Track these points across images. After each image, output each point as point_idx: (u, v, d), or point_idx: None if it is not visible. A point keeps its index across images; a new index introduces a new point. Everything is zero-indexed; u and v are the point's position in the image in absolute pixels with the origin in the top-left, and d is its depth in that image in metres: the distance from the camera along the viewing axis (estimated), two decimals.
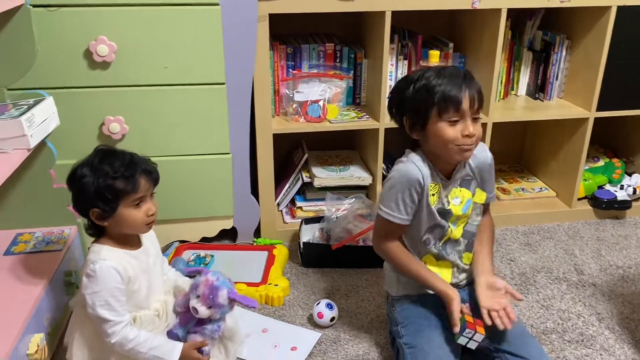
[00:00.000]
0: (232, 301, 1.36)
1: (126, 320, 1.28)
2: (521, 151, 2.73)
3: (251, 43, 1.85)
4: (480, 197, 1.50)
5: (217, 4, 1.77)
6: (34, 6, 1.60)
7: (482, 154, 1.48)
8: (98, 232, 1.33)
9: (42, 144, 1.64)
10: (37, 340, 1.35)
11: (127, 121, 1.82)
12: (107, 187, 1.24)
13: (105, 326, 1.25)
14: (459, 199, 1.46)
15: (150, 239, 1.41)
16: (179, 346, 1.32)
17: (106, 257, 1.27)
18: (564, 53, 2.30)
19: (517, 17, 2.35)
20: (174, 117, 1.87)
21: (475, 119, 1.36)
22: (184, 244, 2.10)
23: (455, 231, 1.48)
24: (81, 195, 1.26)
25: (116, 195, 1.25)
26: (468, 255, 1.54)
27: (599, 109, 2.22)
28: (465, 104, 1.33)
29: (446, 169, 1.46)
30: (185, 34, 1.78)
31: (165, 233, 2.01)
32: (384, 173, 2.22)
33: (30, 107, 1.50)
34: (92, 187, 1.23)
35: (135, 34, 1.73)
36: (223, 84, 1.87)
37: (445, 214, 1.46)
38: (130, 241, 1.35)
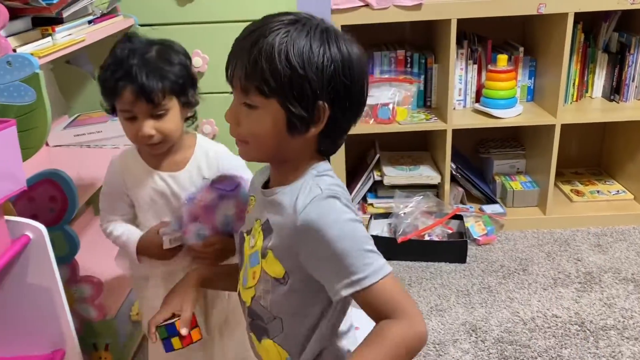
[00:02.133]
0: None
1: (115, 220, 1.25)
2: (600, 154, 2.70)
3: None
4: (274, 268, 0.85)
5: None
6: (141, 25, 1.89)
7: (291, 207, 0.82)
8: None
9: None
10: (137, 305, 1.61)
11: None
12: (99, 78, 1.13)
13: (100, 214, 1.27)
14: (254, 240, 0.89)
15: (203, 169, 1.21)
16: (136, 234, 1.22)
17: (122, 155, 1.24)
18: None
19: (592, 19, 2.36)
20: None
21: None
22: None
23: (245, 292, 0.93)
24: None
25: (103, 94, 1.14)
26: (258, 345, 0.94)
27: None
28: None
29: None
30: None
31: None
32: (453, 172, 2.32)
33: None
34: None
35: (223, 47, 1.97)
36: None
37: (241, 245, 0.95)
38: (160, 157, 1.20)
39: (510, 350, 1.67)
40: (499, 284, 1.99)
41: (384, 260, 0.79)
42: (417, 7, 2.03)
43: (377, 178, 2.40)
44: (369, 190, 2.46)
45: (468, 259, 2.13)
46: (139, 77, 1.08)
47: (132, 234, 1.23)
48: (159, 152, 1.19)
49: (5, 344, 1.20)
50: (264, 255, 0.87)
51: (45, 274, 1.22)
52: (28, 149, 1.23)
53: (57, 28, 1.39)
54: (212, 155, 1.24)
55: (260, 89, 0.78)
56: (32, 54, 1.24)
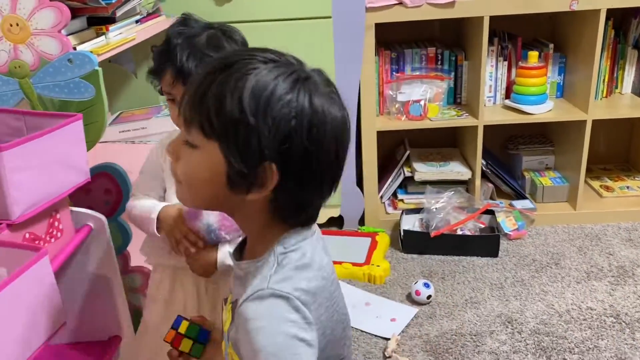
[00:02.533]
0: None
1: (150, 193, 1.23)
2: (628, 150, 2.70)
3: (358, 50, 2.09)
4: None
5: (329, 17, 2.02)
6: None
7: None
8: None
9: None
10: None
11: None
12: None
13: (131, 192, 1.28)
14: (225, 317, 0.82)
15: None
16: (159, 205, 1.18)
17: (165, 138, 1.25)
18: None
19: (622, 16, 2.37)
20: None
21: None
22: None
23: None
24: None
25: (151, 74, 1.13)
26: None
27: None
28: None
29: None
30: (300, 43, 2.04)
31: None
32: (483, 168, 2.35)
33: None
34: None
35: (259, 45, 2.02)
36: None
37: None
38: None
39: (547, 341, 1.70)
40: (532, 278, 2.02)
41: None
42: (451, 4, 2.06)
43: (408, 174, 2.43)
44: (399, 187, 2.50)
45: (500, 253, 2.15)
46: (179, 59, 1.05)
47: (158, 203, 1.21)
48: None
49: (65, 331, 1.25)
50: (228, 342, 0.75)
51: (105, 263, 1.27)
52: (87, 143, 1.28)
53: (111, 27, 1.45)
54: None
55: (203, 126, 0.66)
56: (91, 52, 1.30)
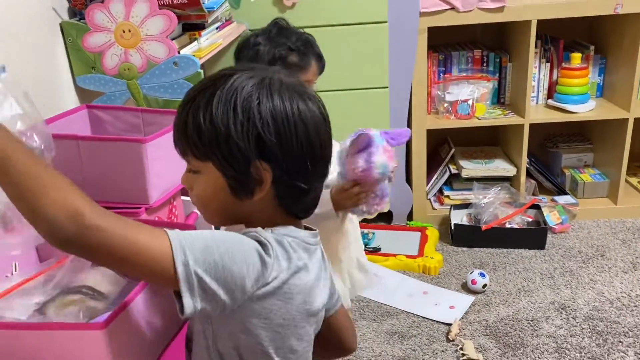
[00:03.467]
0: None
1: None
2: None
3: (412, 52, 2.20)
4: None
5: (385, 22, 2.14)
6: (251, 30, 2.06)
7: None
8: None
9: None
10: None
11: None
12: (281, 57, 1.21)
13: None
14: None
15: None
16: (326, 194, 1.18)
17: None
18: None
19: None
20: (341, 115, 2.25)
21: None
22: None
23: None
24: (252, 62, 1.20)
25: (286, 68, 1.19)
26: None
27: None
28: None
29: None
30: (357, 47, 2.16)
31: None
32: (527, 166, 2.45)
33: None
34: (266, 56, 1.20)
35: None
36: (387, 87, 2.23)
37: None
38: None
39: (602, 326, 1.80)
40: (579, 268, 2.12)
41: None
42: (500, 9, 2.17)
43: (454, 171, 2.54)
44: (444, 183, 2.60)
45: (546, 245, 2.26)
46: (316, 47, 1.27)
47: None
48: None
49: None
50: None
51: None
52: None
53: (202, 33, 1.58)
54: None
55: (193, 152, 0.73)
56: (193, 55, 1.43)
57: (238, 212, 0.75)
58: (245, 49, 1.25)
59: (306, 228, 0.80)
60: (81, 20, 1.44)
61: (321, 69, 1.29)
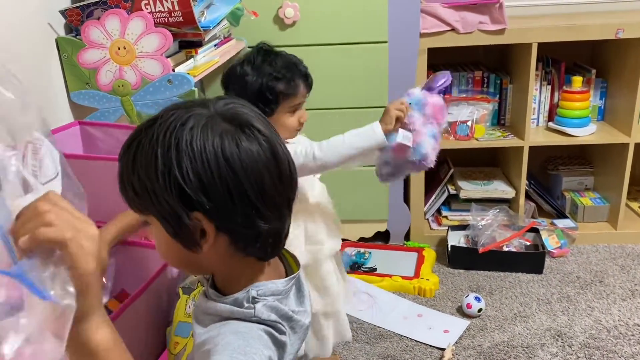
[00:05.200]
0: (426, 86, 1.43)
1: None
2: None
3: (412, 72, 2.20)
4: None
5: (385, 42, 2.13)
6: (249, 47, 2.06)
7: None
8: None
9: None
10: None
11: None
12: (268, 87, 1.24)
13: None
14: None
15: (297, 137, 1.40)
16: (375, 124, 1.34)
17: None
18: None
19: None
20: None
21: None
22: (345, 241, 2.46)
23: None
24: (241, 95, 1.21)
25: (277, 97, 1.25)
26: None
27: None
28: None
29: None
30: (357, 66, 2.15)
31: None
32: (527, 188, 2.43)
33: None
34: (253, 87, 1.23)
35: (320, 68, 2.14)
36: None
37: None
38: None
39: (598, 355, 1.77)
40: (577, 294, 2.09)
41: None
42: (501, 31, 2.17)
43: (452, 192, 2.52)
44: (442, 204, 2.59)
45: (544, 270, 2.23)
46: (306, 72, 1.34)
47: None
48: None
49: None
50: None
51: None
52: None
53: (199, 50, 1.58)
54: None
55: (131, 206, 0.70)
56: (188, 73, 1.42)
57: (197, 262, 0.72)
58: (233, 79, 1.28)
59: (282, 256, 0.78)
60: (77, 37, 1.44)
61: (309, 87, 1.32)
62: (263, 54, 1.30)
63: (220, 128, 0.66)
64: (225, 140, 0.65)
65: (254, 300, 0.69)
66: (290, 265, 0.81)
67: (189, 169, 0.63)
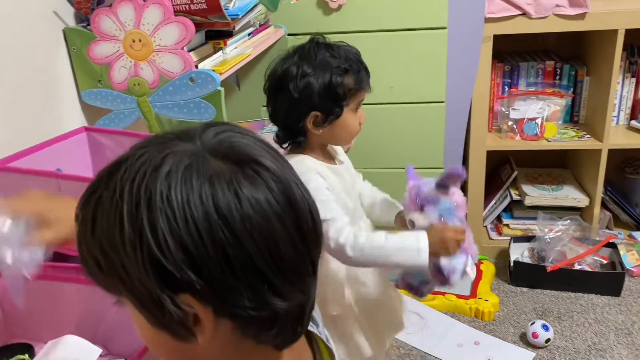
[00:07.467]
0: (442, 185, 1.09)
1: (347, 220, 1.07)
2: None
3: (473, 63, 1.92)
4: None
5: (444, 28, 1.86)
6: (289, 35, 1.84)
7: None
8: (295, 145, 1.12)
9: None
10: None
11: None
12: (337, 85, 1.06)
13: (325, 228, 1.00)
14: None
15: (345, 156, 1.24)
16: (422, 233, 1.04)
17: (301, 161, 1.11)
18: None
19: None
20: (392, 132, 2.00)
21: None
22: None
23: None
24: (302, 97, 1.05)
25: (345, 93, 1.07)
26: None
27: None
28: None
29: None
30: (411, 56, 1.90)
31: None
32: (603, 196, 2.13)
33: None
34: (320, 85, 1.05)
35: (367, 56, 1.90)
36: (442, 102, 1.96)
37: None
38: (327, 157, 1.18)
39: None
40: None
41: None
42: (581, 16, 1.86)
43: (515, 197, 2.24)
44: (504, 210, 2.31)
45: (622, 292, 1.94)
46: (361, 59, 1.13)
47: (409, 233, 1.07)
48: None
49: None
50: None
51: None
52: None
53: (228, 41, 1.36)
54: None
55: (96, 282, 0.50)
56: (213, 70, 1.21)
57: (191, 353, 0.51)
58: (290, 82, 1.05)
59: None
60: (87, 27, 1.25)
61: (369, 81, 1.15)
62: (323, 47, 1.09)
63: (210, 170, 0.45)
64: (218, 188, 0.44)
65: None
66: (320, 351, 0.59)
67: (167, 235, 0.43)
